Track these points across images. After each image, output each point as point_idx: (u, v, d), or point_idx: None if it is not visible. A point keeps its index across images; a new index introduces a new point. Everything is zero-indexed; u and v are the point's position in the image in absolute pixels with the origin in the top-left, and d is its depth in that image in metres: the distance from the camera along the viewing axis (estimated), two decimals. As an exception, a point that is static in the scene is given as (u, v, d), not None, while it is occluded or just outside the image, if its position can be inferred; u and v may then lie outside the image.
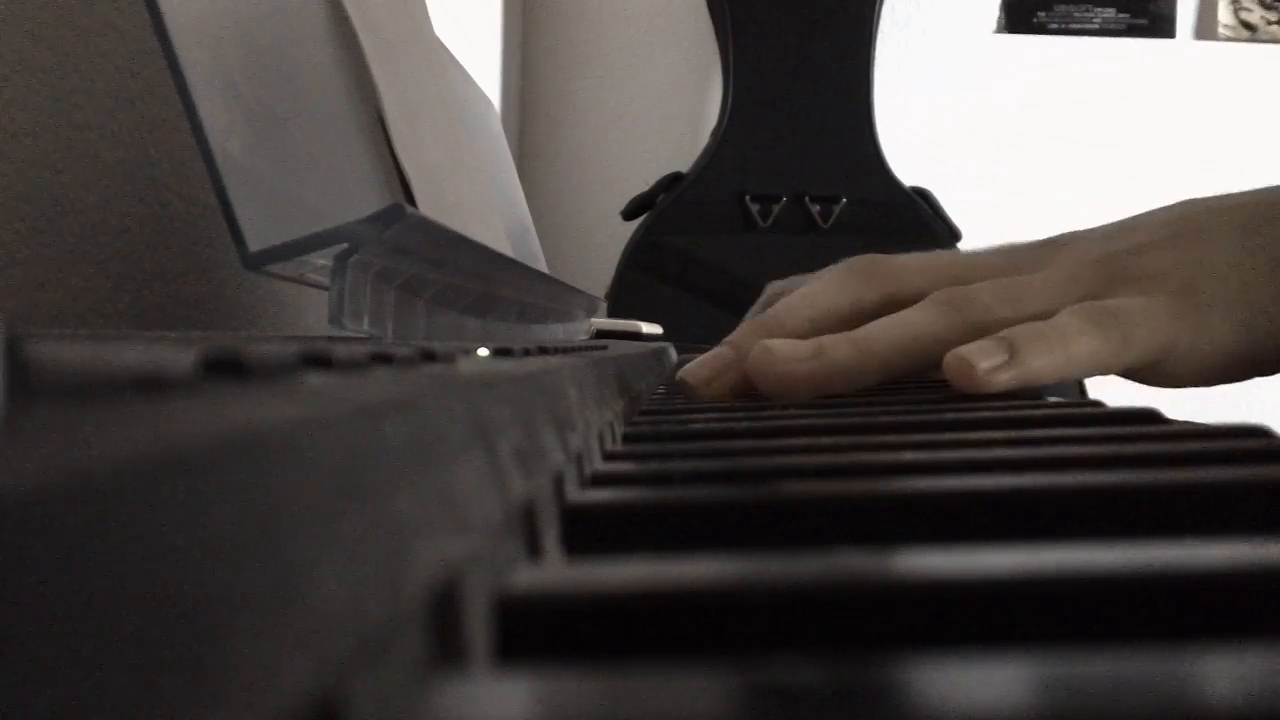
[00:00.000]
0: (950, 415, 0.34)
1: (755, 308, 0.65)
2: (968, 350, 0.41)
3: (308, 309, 0.80)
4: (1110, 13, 2.12)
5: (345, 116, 0.58)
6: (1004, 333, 0.42)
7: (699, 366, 0.46)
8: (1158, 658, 0.10)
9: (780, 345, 0.44)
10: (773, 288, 0.65)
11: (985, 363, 0.41)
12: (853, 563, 0.14)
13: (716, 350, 0.47)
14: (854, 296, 0.49)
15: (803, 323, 0.48)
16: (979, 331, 0.43)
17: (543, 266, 1.11)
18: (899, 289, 0.49)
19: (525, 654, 0.12)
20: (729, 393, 0.45)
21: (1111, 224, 0.49)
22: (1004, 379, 0.41)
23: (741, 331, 0.48)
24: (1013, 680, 0.09)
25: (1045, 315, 0.43)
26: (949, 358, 0.41)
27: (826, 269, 0.54)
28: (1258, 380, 0.47)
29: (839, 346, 0.44)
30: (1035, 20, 2.13)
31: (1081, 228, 0.51)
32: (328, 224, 0.41)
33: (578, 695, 0.10)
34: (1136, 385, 0.47)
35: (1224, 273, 0.45)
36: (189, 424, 0.09)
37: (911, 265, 0.50)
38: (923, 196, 1.82)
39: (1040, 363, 0.41)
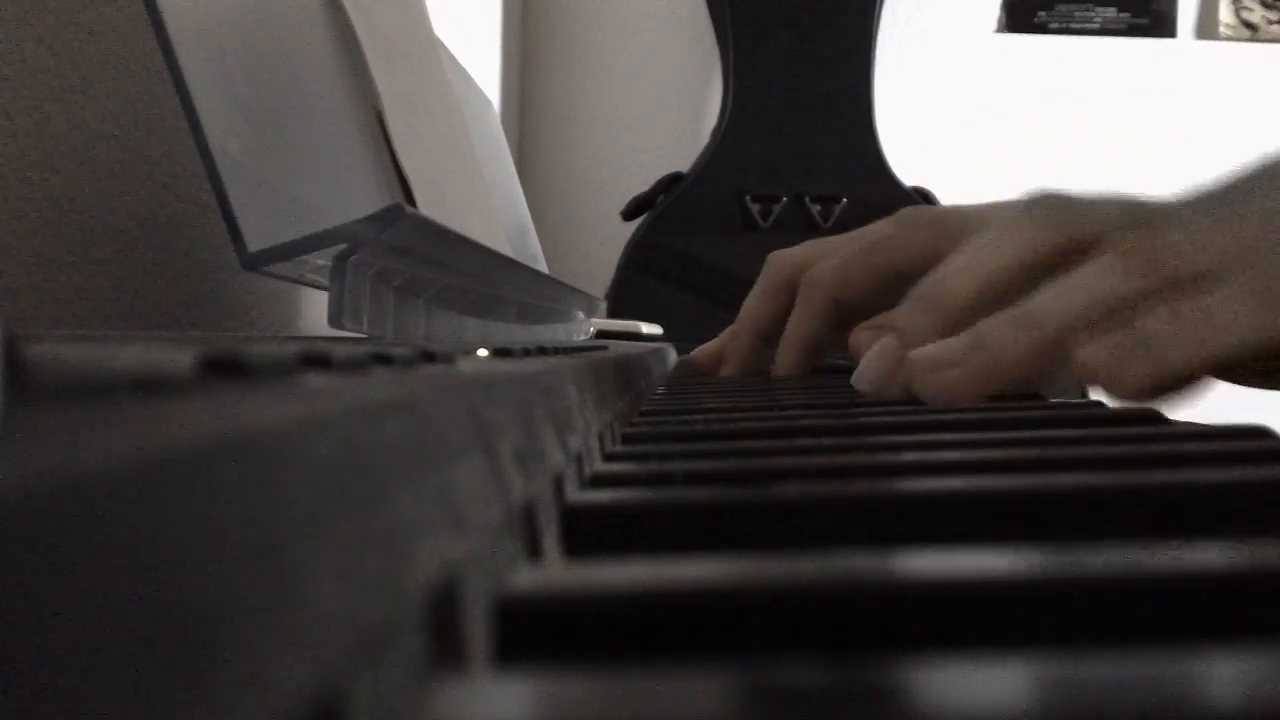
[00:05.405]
0: (951, 416, 0.34)
1: (760, 281, 0.62)
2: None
3: (307, 309, 0.80)
4: (1111, 12, 2.12)
5: (345, 116, 0.58)
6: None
7: (870, 371, 0.42)
8: (1158, 659, 0.10)
9: (927, 356, 0.38)
10: (774, 258, 0.62)
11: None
12: (852, 564, 0.14)
13: (883, 345, 0.42)
14: (1027, 247, 0.41)
15: (967, 298, 0.41)
16: (1174, 290, 0.36)
17: (543, 266, 1.10)
18: (1081, 230, 0.40)
19: (524, 655, 0.12)
20: (905, 396, 0.40)
21: None
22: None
23: (904, 315, 0.42)
24: (1013, 681, 0.09)
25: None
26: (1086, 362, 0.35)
27: (998, 209, 0.45)
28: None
29: (999, 334, 0.37)
30: (1036, 20, 2.13)
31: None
32: (327, 224, 0.41)
33: (577, 696, 0.10)
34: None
35: None
36: (187, 425, 0.09)
37: (1088, 201, 0.42)
38: (923, 196, 1.82)
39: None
